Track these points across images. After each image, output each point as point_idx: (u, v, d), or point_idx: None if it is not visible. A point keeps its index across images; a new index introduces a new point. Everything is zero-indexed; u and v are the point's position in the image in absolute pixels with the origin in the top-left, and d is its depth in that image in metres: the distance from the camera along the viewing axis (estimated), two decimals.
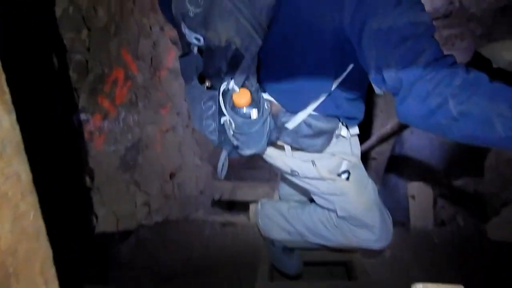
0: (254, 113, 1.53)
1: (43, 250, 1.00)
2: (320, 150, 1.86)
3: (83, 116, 2.49)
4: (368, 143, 3.74)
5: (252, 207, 2.96)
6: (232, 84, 1.48)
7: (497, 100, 1.20)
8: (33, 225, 0.94)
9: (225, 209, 5.03)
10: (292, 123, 1.71)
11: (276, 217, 2.71)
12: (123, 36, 2.64)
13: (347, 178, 2.00)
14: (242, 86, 1.47)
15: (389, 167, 4.37)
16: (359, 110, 1.83)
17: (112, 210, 2.74)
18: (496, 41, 1.62)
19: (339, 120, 1.80)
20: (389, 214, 2.35)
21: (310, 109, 1.68)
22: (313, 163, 1.94)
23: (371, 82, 1.41)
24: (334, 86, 1.61)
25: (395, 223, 4.13)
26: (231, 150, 1.81)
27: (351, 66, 1.55)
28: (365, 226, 2.25)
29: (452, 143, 3.65)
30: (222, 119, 1.60)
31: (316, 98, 1.64)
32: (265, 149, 1.81)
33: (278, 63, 1.57)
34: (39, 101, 1.97)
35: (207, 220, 3.97)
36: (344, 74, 1.57)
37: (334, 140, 1.88)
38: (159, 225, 3.53)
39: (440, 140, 3.63)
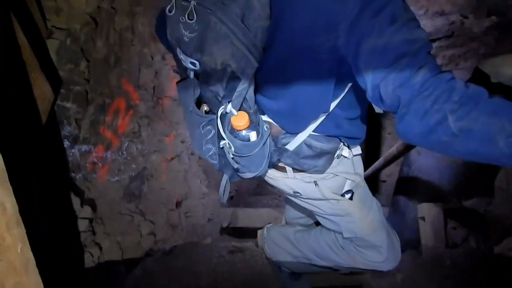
0: (253, 136, 1.52)
1: (33, 284, 0.97)
2: (322, 171, 1.83)
3: (85, 147, 2.48)
4: (375, 165, 3.70)
5: (259, 232, 2.93)
6: (229, 107, 1.46)
7: (498, 115, 1.17)
8: (21, 258, 0.92)
9: (234, 236, 4.99)
10: (292, 144, 1.69)
11: (282, 242, 2.68)
12: (124, 67, 2.65)
13: (351, 198, 1.97)
14: (240, 109, 1.46)
15: (398, 189, 4.32)
16: (360, 130, 1.81)
17: (117, 241, 2.71)
18: (496, 56, 1.59)
19: (340, 140, 1.78)
20: (396, 235, 2.30)
21: (309, 130, 1.66)
22: (316, 183, 1.91)
23: (369, 101, 1.40)
24: (332, 106, 1.60)
25: (406, 245, 4.09)
26: (232, 174, 1.79)
27: (349, 86, 1.54)
28: (372, 247, 2.21)
29: (460, 163, 3.61)
30: (221, 143, 1.59)
31: (315, 118, 1.63)
32: (266, 172, 1.79)
33: (275, 84, 1.56)
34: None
35: (214, 248, 3.93)
36: (343, 93, 1.56)
37: (336, 160, 1.85)
38: (166, 255, 3.49)
39: (448, 160, 3.59)
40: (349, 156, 1.88)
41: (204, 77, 1.48)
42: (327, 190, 1.94)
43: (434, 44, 4.20)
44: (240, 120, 1.44)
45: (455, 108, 1.19)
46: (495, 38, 4.04)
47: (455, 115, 1.18)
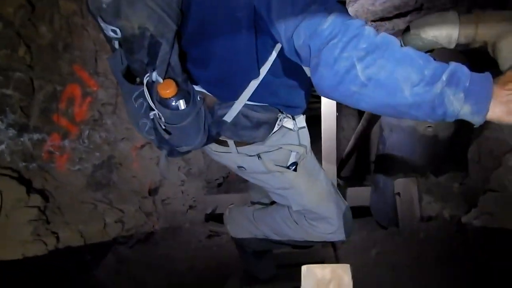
0: (182, 104, 1.48)
1: None
2: (262, 140, 1.81)
3: (37, 136, 2.47)
4: (349, 146, 3.68)
5: (224, 213, 2.93)
6: (155, 75, 1.44)
7: (405, 64, 1.17)
8: None
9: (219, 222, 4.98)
10: (229, 115, 1.65)
11: (242, 220, 2.68)
12: (76, 53, 2.62)
13: (295, 169, 1.95)
14: (166, 76, 1.44)
15: (376, 167, 4.29)
16: (299, 98, 1.78)
17: (78, 229, 2.70)
18: (417, 21, 1.57)
19: (279, 110, 1.76)
20: (346, 205, 2.29)
21: (244, 99, 1.62)
22: (259, 156, 1.89)
23: (288, 57, 1.38)
24: (263, 73, 1.57)
25: (389, 222, 4.08)
26: (170, 149, 1.77)
27: (277, 48, 1.51)
28: (322, 218, 2.20)
29: (430, 137, 3.58)
30: (151, 114, 1.55)
31: (246, 85, 1.60)
32: (203, 144, 1.75)
33: (200, 51, 1.53)
34: None
35: (192, 234, 3.94)
36: (270, 57, 1.53)
37: (280, 132, 1.83)
38: (141, 242, 3.49)
39: (418, 135, 3.56)
40: (294, 129, 1.86)
41: (127, 44, 1.45)
42: (270, 163, 1.92)
43: (405, 19, 4.14)
44: (166, 87, 1.40)
45: (362, 55, 1.17)
46: (467, 7, 3.98)
47: (362, 63, 1.17)
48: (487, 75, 1.19)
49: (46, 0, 2.35)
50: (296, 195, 2.10)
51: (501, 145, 3.09)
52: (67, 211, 2.66)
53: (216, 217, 4.78)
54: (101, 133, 3.04)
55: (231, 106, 1.64)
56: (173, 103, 1.46)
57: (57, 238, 2.54)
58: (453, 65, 1.18)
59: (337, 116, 3.72)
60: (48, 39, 2.38)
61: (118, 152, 3.29)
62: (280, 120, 1.79)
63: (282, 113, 1.78)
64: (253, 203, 2.79)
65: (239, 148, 1.87)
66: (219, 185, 5.99)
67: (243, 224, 2.68)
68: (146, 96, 1.50)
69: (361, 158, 6.56)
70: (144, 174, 3.62)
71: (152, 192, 3.75)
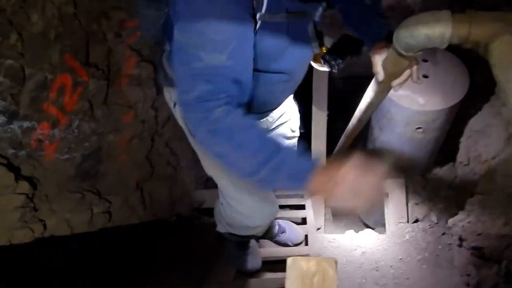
0: None
1: None
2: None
3: (27, 124, 2.45)
4: (339, 145, 3.69)
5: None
6: None
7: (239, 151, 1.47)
8: None
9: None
10: None
11: (217, 214, 2.78)
12: (67, 42, 2.60)
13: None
14: None
15: None
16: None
17: (65, 218, 2.69)
18: (409, 18, 1.57)
19: None
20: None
21: None
22: (175, 104, 2.34)
23: None
24: None
25: (376, 223, 4.09)
26: None
27: None
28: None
29: (421, 138, 3.59)
30: None
31: None
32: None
33: None
34: None
35: (177, 226, 3.94)
36: None
37: None
38: (127, 233, 3.48)
39: (408, 136, 3.58)
40: None
41: None
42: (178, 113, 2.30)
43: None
44: None
45: (205, 135, 1.50)
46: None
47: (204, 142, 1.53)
48: (313, 163, 1.47)
49: None
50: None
51: (490, 150, 3.12)
52: (54, 200, 2.65)
53: (203, 212, 4.79)
54: (90, 124, 3.02)
55: None
56: None
57: (44, 226, 2.53)
58: (283, 153, 1.45)
59: (328, 115, 3.72)
60: (40, 28, 2.36)
61: (107, 143, 3.27)
62: None
63: None
64: None
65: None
66: (207, 179, 5.98)
67: (217, 216, 2.77)
68: None
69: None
70: (132, 167, 3.61)
71: (140, 184, 3.74)
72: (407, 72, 1.92)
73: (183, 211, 4.48)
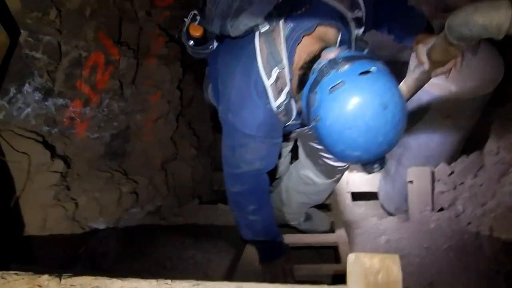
0: None
1: None
2: None
3: (60, 101, 2.44)
4: None
5: None
6: None
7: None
8: None
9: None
10: None
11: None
12: (101, 20, 2.58)
13: None
14: None
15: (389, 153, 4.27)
16: None
17: (94, 197, 2.69)
18: (465, 7, 1.51)
19: None
20: None
21: None
22: None
23: None
24: None
25: (397, 210, 4.07)
26: None
27: None
28: None
29: (449, 127, 3.55)
30: None
31: None
32: None
33: None
34: None
35: (201, 210, 3.93)
36: None
37: None
38: (151, 214, 3.47)
39: (436, 124, 3.52)
40: None
41: None
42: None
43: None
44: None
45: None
46: None
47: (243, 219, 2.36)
48: (281, 252, 2.58)
49: None
50: None
51: None
52: (85, 178, 2.66)
53: (222, 193, 4.79)
54: (120, 103, 3.01)
55: None
56: None
57: (76, 205, 2.53)
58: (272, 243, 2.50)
59: None
60: (77, 4, 2.34)
61: (134, 123, 3.26)
62: None
63: None
64: None
65: None
66: None
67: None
68: None
69: None
70: (157, 147, 3.60)
71: (164, 166, 3.73)
72: (452, 61, 1.88)
73: (204, 193, 4.47)
